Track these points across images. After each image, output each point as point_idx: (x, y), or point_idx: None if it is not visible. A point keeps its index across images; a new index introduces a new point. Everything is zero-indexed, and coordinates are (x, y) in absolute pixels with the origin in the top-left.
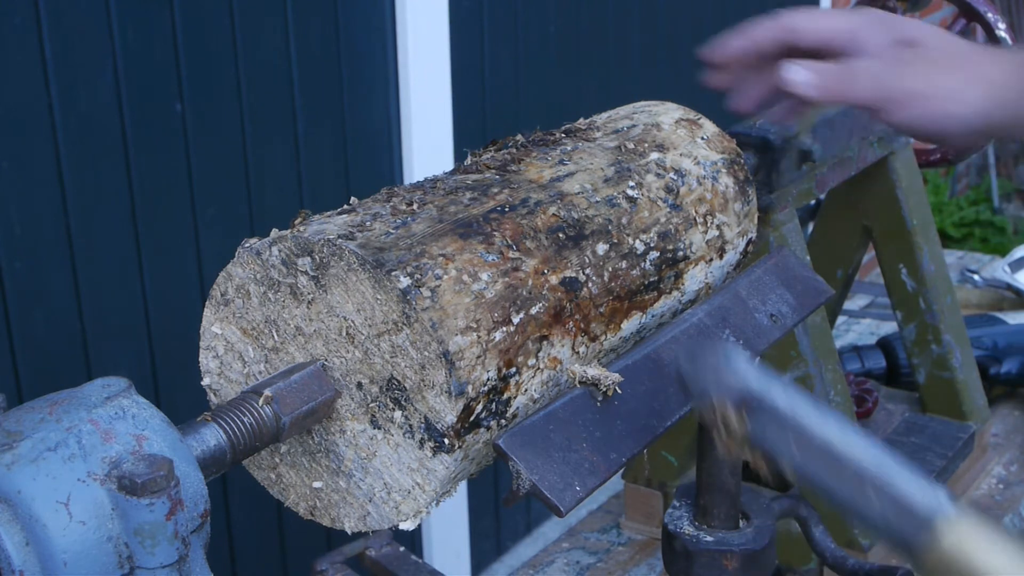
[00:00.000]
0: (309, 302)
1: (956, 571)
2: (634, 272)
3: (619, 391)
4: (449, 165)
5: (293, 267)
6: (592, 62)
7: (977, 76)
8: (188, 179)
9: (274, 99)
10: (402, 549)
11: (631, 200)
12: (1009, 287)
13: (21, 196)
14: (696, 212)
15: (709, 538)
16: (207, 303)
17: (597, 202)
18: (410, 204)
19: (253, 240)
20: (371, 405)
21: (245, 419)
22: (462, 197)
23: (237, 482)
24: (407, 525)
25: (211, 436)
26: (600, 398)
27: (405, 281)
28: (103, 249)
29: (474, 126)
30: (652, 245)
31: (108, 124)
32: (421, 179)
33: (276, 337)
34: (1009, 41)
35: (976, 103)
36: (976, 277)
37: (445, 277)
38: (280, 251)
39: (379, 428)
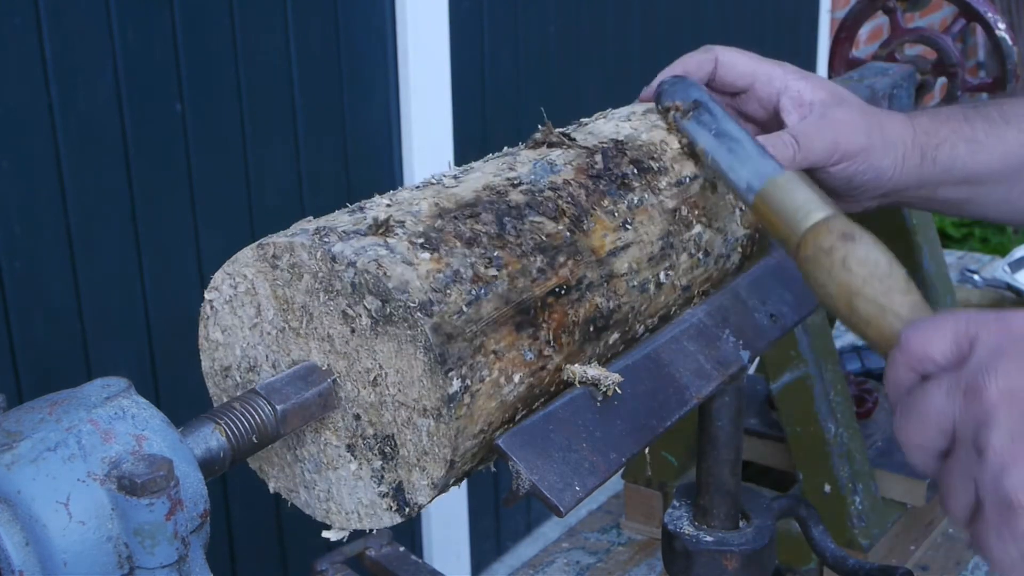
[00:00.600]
0: (354, 330)
1: (775, 211)
2: None
3: (619, 391)
4: (449, 165)
5: (359, 298)
6: (592, 62)
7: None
8: (188, 179)
9: (274, 99)
10: (402, 549)
11: (659, 286)
12: (1009, 287)
13: (21, 196)
14: (698, 291)
15: (709, 538)
16: (254, 244)
17: (633, 287)
18: (489, 264)
19: (334, 241)
20: (358, 438)
21: (245, 419)
22: (534, 263)
23: (237, 482)
24: (329, 534)
25: (211, 436)
26: (600, 398)
27: (456, 385)
28: (103, 249)
29: (474, 126)
30: (651, 327)
31: (108, 124)
32: (500, 171)
33: (303, 325)
34: (1009, 41)
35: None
36: (976, 277)
37: (488, 380)
38: (354, 277)
39: (353, 457)
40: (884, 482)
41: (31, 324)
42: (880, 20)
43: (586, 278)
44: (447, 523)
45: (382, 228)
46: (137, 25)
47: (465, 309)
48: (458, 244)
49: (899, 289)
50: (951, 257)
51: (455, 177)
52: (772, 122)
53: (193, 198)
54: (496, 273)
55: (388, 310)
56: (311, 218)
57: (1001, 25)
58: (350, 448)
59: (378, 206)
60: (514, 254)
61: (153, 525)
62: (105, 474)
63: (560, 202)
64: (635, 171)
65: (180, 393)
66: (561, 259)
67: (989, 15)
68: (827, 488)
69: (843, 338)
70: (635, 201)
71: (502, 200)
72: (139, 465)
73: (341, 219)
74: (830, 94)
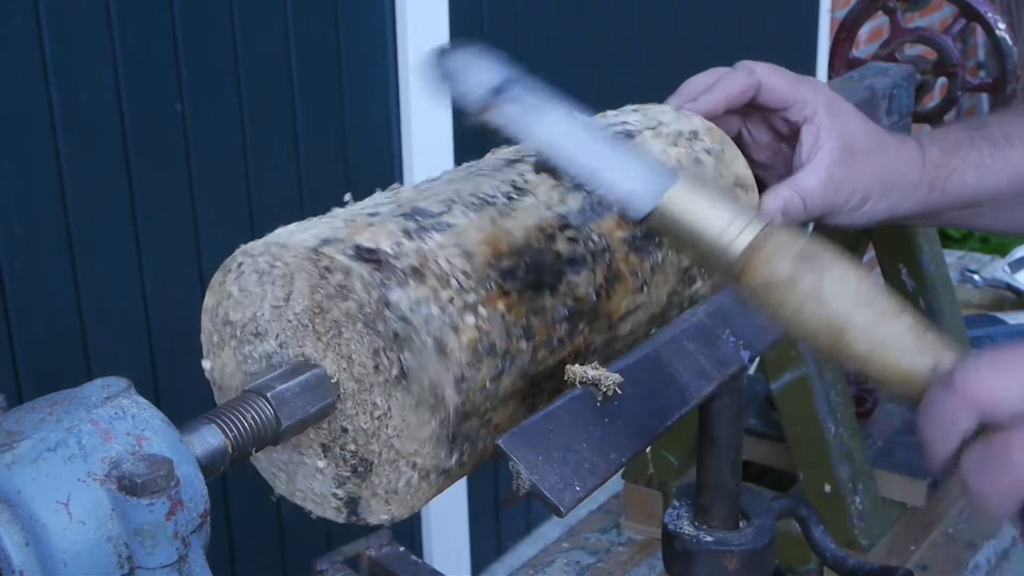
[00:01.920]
0: (378, 368)
1: (679, 227)
2: None
3: (619, 391)
4: (449, 165)
5: (398, 350)
6: (592, 62)
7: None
8: (188, 179)
9: (274, 99)
10: (402, 549)
11: (645, 336)
12: (1009, 287)
13: (21, 196)
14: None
15: (709, 538)
16: (311, 247)
17: (626, 345)
18: (522, 335)
19: (393, 284)
20: (336, 446)
21: (245, 419)
22: (558, 331)
23: (237, 482)
24: (277, 494)
25: (211, 436)
26: (600, 398)
27: (454, 459)
28: (103, 249)
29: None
30: None
31: (108, 124)
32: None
33: (328, 334)
34: (1009, 41)
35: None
36: (976, 277)
37: (479, 449)
38: (401, 329)
39: (324, 456)
40: (884, 482)
41: (31, 324)
42: (880, 20)
43: (594, 343)
44: (447, 523)
45: (441, 283)
46: (137, 25)
47: (488, 385)
48: (500, 306)
49: (890, 312)
50: (951, 257)
51: (510, 198)
52: (791, 138)
53: (193, 198)
54: (525, 346)
55: (414, 386)
56: (351, 199)
57: (1001, 25)
58: (325, 448)
59: (439, 242)
60: (545, 321)
61: (153, 525)
62: (105, 474)
63: (597, 264)
64: None
65: (180, 393)
66: (581, 326)
67: (989, 15)
68: (827, 488)
69: None
70: (658, 260)
71: (549, 249)
72: (139, 465)
73: (391, 231)
74: (843, 144)
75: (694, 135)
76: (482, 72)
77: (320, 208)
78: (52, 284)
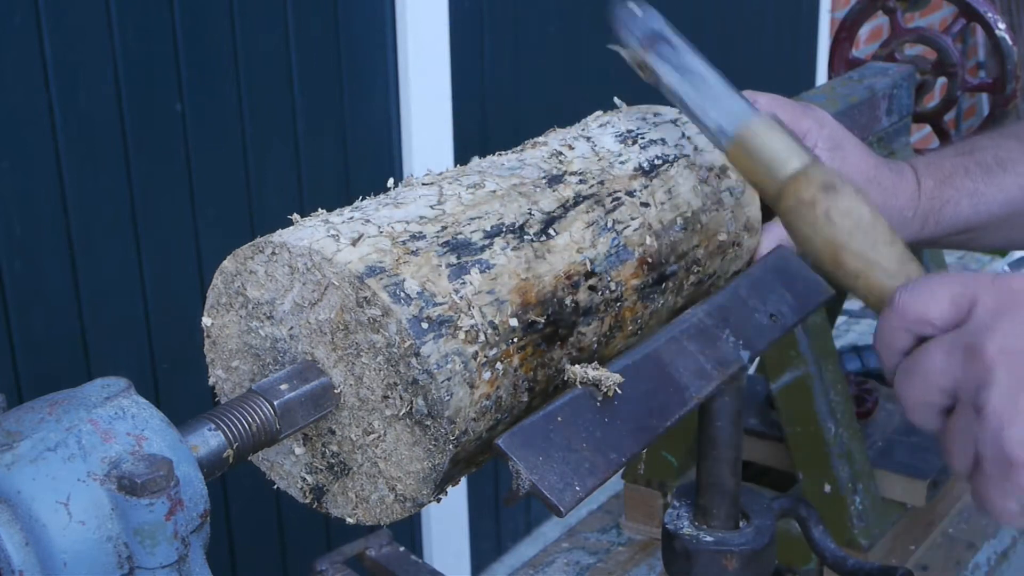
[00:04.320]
0: (387, 400)
1: (747, 153)
2: None
3: (619, 391)
4: (449, 165)
5: (413, 394)
6: (592, 62)
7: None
8: (188, 179)
9: (274, 99)
10: (402, 549)
11: None
12: None
13: (21, 196)
14: None
15: (709, 538)
16: (356, 276)
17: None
18: (528, 389)
19: (428, 338)
20: (319, 440)
21: (245, 419)
22: (555, 379)
23: (237, 482)
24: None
25: (211, 436)
26: (600, 398)
27: (436, 498)
28: (103, 249)
29: (474, 126)
30: None
31: (108, 124)
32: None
33: (345, 350)
34: (1009, 41)
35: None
36: None
37: (456, 484)
38: (422, 380)
39: (303, 444)
40: (884, 482)
41: (31, 324)
42: (880, 20)
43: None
44: (447, 523)
45: (470, 337)
46: (137, 25)
47: (484, 435)
48: (515, 361)
49: (884, 240)
50: (951, 257)
51: (547, 235)
52: None
53: (193, 198)
54: (527, 398)
55: (428, 423)
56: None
57: (1001, 25)
58: (306, 438)
59: (476, 287)
60: (549, 373)
61: (153, 525)
62: (105, 474)
63: (607, 313)
64: (684, 270)
65: (180, 393)
66: (571, 367)
67: (989, 15)
68: (827, 488)
69: (843, 338)
70: (659, 304)
71: (571, 298)
72: (139, 465)
73: (434, 266)
74: None
75: (723, 171)
76: (650, 19)
77: (320, 208)
78: (52, 284)
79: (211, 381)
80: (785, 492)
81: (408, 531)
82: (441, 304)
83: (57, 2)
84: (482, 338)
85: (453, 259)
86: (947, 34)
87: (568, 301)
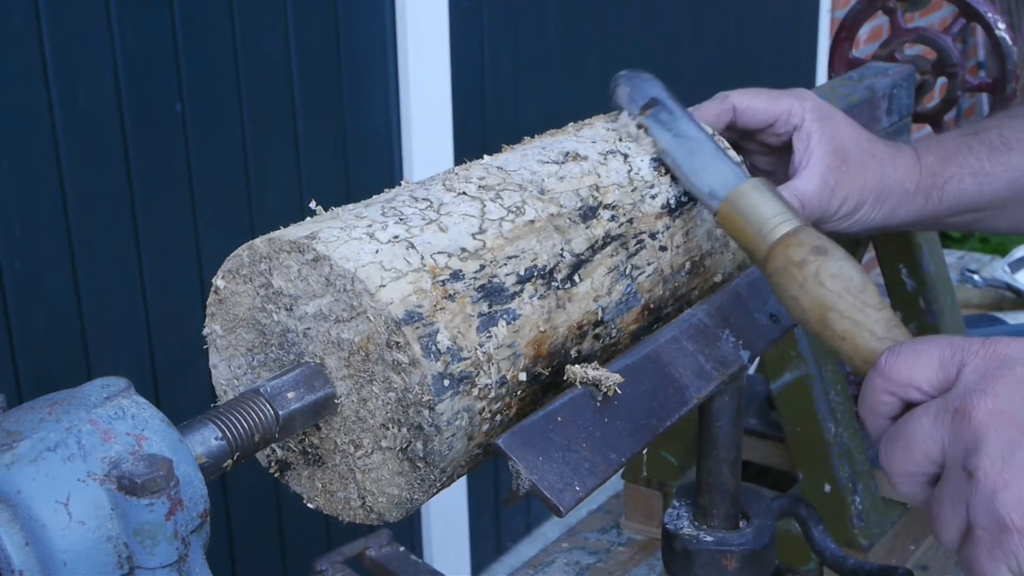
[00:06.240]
0: (385, 429)
1: (736, 216)
2: None
3: (619, 391)
4: (449, 165)
5: (413, 437)
6: (592, 62)
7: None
8: (188, 179)
9: (274, 99)
10: (402, 549)
11: None
12: (1009, 287)
13: (21, 196)
14: None
15: (709, 538)
16: (392, 317)
17: None
18: (507, 426)
19: (447, 394)
20: (302, 432)
21: (245, 419)
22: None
23: (237, 482)
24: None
25: (211, 436)
26: (600, 398)
27: (403, 517)
28: (103, 249)
29: (474, 126)
30: None
31: (108, 124)
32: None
33: (357, 372)
34: (1009, 41)
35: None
36: (976, 277)
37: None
38: (429, 429)
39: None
40: (884, 482)
41: (31, 324)
42: (880, 20)
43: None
44: (447, 523)
45: (482, 394)
46: (137, 25)
47: (463, 466)
48: (512, 412)
49: (873, 304)
50: (951, 257)
51: (571, 283)
52: (785, 150)
53: (193, 198)
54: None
55: (419, 464)
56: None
57: (1001, 25)
58: None
59: (499, 340)
60: (526, 412)
61: (153, 525)
62: (105, 474)
63: (601, 358)
64: (676, 310)
65: (180, 393)
66: (571, 367)
67: (989, 15)
68: (827, 488)
69: None
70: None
71: (576, 348)
72: (139, 465)
73: (467, 316)
74: (834, 150)
75: None
76: (647, 86)
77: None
78: (52, 284)
79: (205, 332)
80: (785, 492)
81: (408, 531)
82: (465, 359)
83: (57, 2)
84: (492, 394)
85: (485, 307)
86: (947, 34)
87: (573, 352)
